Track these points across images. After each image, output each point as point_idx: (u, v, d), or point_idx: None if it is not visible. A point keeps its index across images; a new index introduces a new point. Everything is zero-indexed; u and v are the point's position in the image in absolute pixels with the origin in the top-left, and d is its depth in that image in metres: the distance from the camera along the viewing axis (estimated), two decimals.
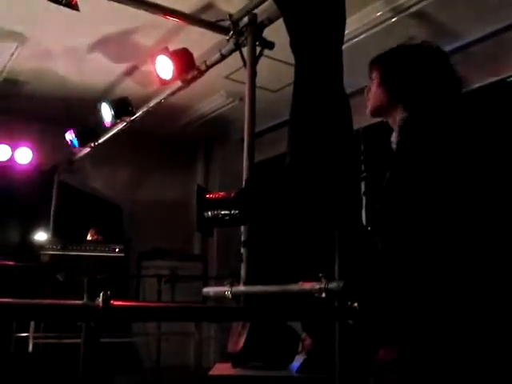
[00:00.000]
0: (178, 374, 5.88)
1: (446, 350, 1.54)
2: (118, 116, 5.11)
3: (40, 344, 5.08)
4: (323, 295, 1.87)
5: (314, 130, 1.76)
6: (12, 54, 5.12)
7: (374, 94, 1.91)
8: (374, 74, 1.92)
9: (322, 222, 1.83)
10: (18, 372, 1.91)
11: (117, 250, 4.55)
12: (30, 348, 4.92)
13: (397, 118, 1.83)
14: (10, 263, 3.58)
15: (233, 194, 2.24)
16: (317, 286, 1.89)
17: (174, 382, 5.59)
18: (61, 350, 4.82)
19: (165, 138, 6.90)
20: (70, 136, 5.88)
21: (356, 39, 4.43)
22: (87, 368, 1.74)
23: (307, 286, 2.01)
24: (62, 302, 1.58)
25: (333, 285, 1.83)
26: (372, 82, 1.93)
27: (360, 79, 2.03)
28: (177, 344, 6.47)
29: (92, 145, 5.93)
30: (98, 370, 1.76)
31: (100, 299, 1.52)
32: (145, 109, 5.09)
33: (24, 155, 6.29)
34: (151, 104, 5.05)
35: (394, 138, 1.82)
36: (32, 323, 5.05)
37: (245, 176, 3.36)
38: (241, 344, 2.56)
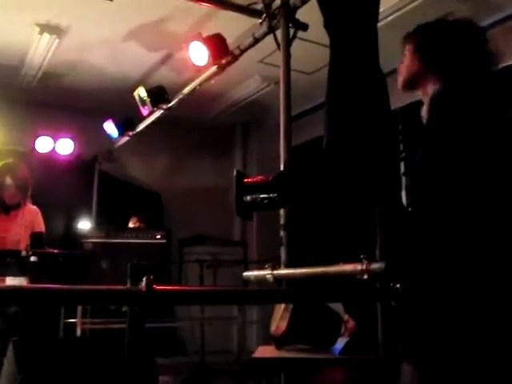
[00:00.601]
0: (221, 358, 5.95)
1: (476, 340, 1.51)
2: (154, 104, 5.16)
3: (87, 329, 5.23)
4: (365, 277, 1.86)
5: (350, 110, 1.74)
6: (50, 48, 5.22)
7: (406, 65, 1.88)
8: (408, 47, 1.89)
9: (362, 203, 1.81)
10: (67, 356, 1.97)
11: (158, 236, 4.60)
12: (78, 333, 5.08)
13: (428, 91, 1.80)
14: (56, 251, 3.68)
15: (271, 178, 2.24)
16: (358, 267, 1.88)
17: (218, 366, 5.67)
18: (107, 335, 4.95)
19: (201, 124, 6.94)
20: (108, 126, 5.97)
21: (391, 17, 4.35)
22: (132, 352, 1.78)
23: (348, 267, 2.00)
24: (106, 287, 1.61)
25: (374, 266, 1.81)
26: (405, 55, 1.89)
27: (395, 59, 1.99)
28: (220, 328, 6.56)
29: (130, 134, 6.01)
30: (143, 354, 1.80)
31: (143, 284, 1.55)
32: (180, 96, 5.12)
33: (65, 146, 6.41)
34: (186, 91, 5.07)
35: (424, 111, 1.79)
36: (79, 309, 5.20)
37: (282, 160, 3.36)
38: (284, 326, 2.58)
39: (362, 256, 1.85)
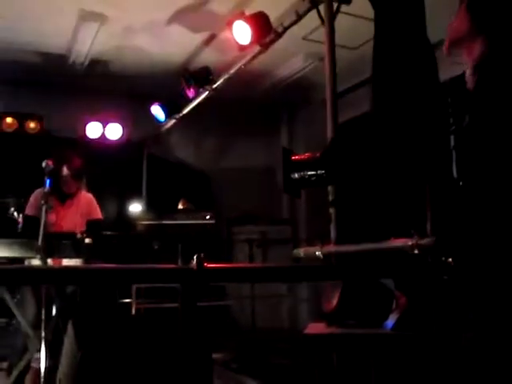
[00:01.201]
0: (273, 336, 6.01)
1: None
2: (199, 86, 5.19)
3: (141, 309, 5.37)
4: (415, 251, 1.84)
5: (397, 84, 1.71)
6: (95, 35, 5.30)
7: (455, 25, 1.81)
8: (460, 8, 1.82)
9: (412, 178, 1.79)
10: (123, 333, 2.04)
11: (207, 217, 4.66)
12: (133, 312, 5.23)
13: (474, 53, 1.73)
14: (110, 233, 3.78)
15: (318, 155, 2.23)
16: (409, 242, 1.86)
17: (270, 343, 5.72)
18: (161, 314, 5.07)
19: (247, 104, 6.93)
20: (155, 109, 6.05)
21: None
22: (186, 329, 1.82)
23: (399, 242, 1.98)
24: (159, 266, 1.66)
25: (425, 240, 1.79)
26: (456, 16, 1.83)
27: (444, 29, 1.93)
28: (271, 306, 6.60)
29: (177, 116, 6.07)
30: (196, 331, 1.84)
31: (194, 262, 1.58)
32: (225, 76, 5.12)
33: (114, 131, 6.54)
34: (231, 71, 5.08)
35: (468, 74, 1.73)
36: (134, 290, 5.34)
37: (329, 137, 3.33)
38: (335, 303, 2.58)
39: (412, 231, 1.83)
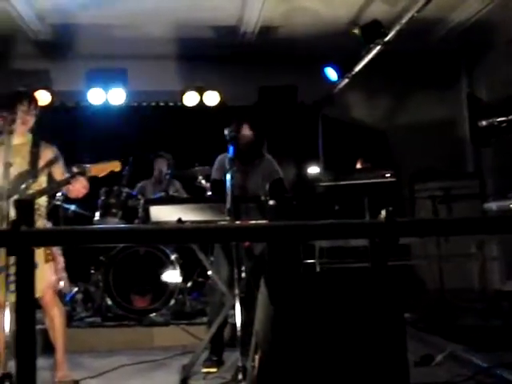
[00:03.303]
0: (462, 296, 5.76)
1: None
2: (370, 41, 5.03)
3: (324, 268, 5.47)
4: None
5: None
6: (263, 2, 5.38)
7: None
8: None
9: None
10: (311, 289, 2.08)
11: (387, 175, 4.54)
12: (317, 269, 5.36)
13: None
14: (290, 195, 3.88)
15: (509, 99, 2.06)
16: None
17: (460, 304, 5.50)
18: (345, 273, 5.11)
19: (421, 55, 6.60)
20: (327, 70, 6.01)
21: None
22: (377, 285, 1.79)
23: None
24: (348, 221, 1.65)
25: None
26: None
27: None
28: (459, 266, 6.32)
29: (349, 75, 5.97)
30: (387, 287, 1.81)
31: (383, 216, 1.54)
32: (397, 27, 4.91)
33: (287, 95, 6.64)
34: (403, 21, 4.84)
35: None
36: (317, 250, 5.45)
37: None
38: None
39: None
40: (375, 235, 1.49)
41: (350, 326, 1.89)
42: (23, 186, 3.44)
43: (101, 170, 3.52)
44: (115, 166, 3.58)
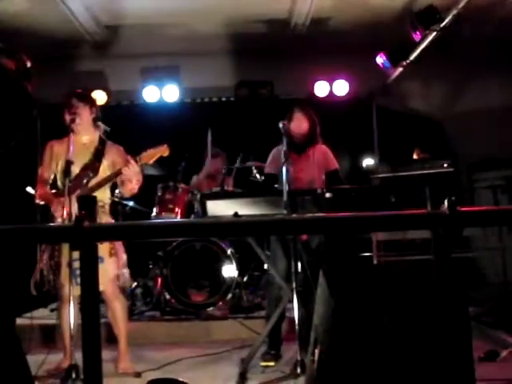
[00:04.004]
0: None
1: None
2: (426, 27, 4.89)
3: (382, 261, 5.38)
4: None
5: None
6: None
7: None
8: None
9: None
10: (370, 281, 2.05)
11: (445, 165, 4.43)
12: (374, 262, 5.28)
13: None
14: (347, 187, 3.84)
15: None
16: None
17: None
18: (402, 266, 5.02)
19: (479, 40, 6.36)
20: (380, 59, 5.87)
21: None
22: (441, 276, 1.74)
23: None
24: (408, 211, 1.60)
25: None
26: None
27: None
28: None
29: (404, 64, 5.83)
30: (451, 279, 1.75)
31: (445, 206, 1.49)
32: (454, 12, 4.75)
33: (341, 87, 6.58)
34: (460, 5, 4.69)
35: None
36: (374, 243, 5.37)
37: None
38: None
39: None
40: (439, 226, 1.44)
41: (412, 320, 1.85)
42: (84, 180, 3.55)
43: (151, 156, 3.60)
44: (163, 150, 3.65)
